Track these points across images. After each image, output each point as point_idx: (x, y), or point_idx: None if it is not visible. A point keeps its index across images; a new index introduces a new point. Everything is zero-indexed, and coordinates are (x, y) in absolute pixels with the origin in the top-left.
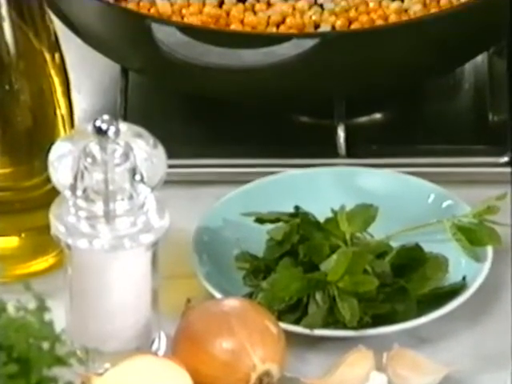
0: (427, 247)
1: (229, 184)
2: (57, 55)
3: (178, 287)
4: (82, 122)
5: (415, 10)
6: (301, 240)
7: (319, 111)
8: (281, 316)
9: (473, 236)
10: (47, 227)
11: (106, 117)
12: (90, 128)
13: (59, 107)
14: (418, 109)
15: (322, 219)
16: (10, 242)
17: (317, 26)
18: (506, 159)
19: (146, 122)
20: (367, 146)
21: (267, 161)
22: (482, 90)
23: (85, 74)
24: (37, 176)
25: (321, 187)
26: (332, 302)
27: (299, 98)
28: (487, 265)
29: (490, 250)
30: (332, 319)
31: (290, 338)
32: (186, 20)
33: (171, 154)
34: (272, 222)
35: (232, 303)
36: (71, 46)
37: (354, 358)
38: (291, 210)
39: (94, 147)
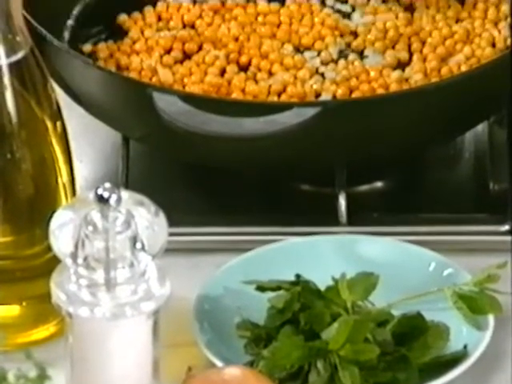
0: (428, 315)
1: (229, 252)
2: (58, 124)
3: (178, 355)
4: (84, 190)
5: (416, 79)
6: (302, 308)
7: (320, 179)
8: None
9: (474, 304)
10: (48, 295)
11: (107, 185)
12: (91, 196)
13: (61, 175)
14: (419, 177)
15: (322, 287)
16: (11, 311)
17: (318, 95)
18: (506, 228)
19: (148, 189)
20: (368, 214)
21: (268, 229)
22: (482, 159)
23: (86, 143)
24: (38, 244)
25: (322, 255)
26: (333, 370)
27: (300, 166)
28: (488, 333)
29: (491, 318)
30: None
31: None
32: (187, 89)
33: (172, 222)
34: (273, 290)
35: (233, 372)
36: (72, 114)
37: None
38: (292, 278)
39: (96, 215)
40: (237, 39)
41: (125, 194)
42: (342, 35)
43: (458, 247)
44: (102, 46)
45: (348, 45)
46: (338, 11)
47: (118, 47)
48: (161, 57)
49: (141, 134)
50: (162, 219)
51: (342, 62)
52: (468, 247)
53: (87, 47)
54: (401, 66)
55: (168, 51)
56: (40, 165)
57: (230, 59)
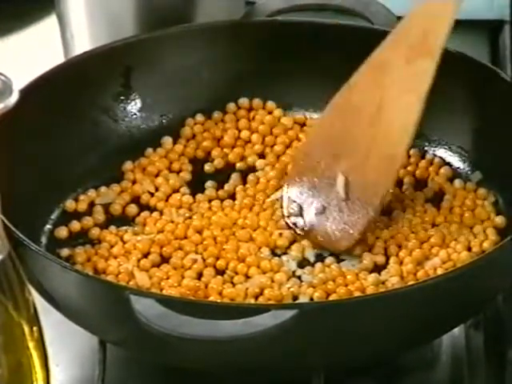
0: None
1: None
2: (35, 328)
3: None
4: None
5: (393, 282)
6: None
7: (296, 382)
8: None
9: None
10: None
11: None
12: None
13: (37, 380)
14: (396, 381)
15: None
16: None
17: (295, 298)
18: None
19: None
20: None
21: None
22: (459, 362)
23: (63, 347)
24: None
25: None
26: None
27: (277, 368)
28: None
29: None
30: None
31: None
32: (164, 292)
33: None
34: None
35: None
36: (49, 318)
37: None
38: None
39: None
40: (215, 242)
41: None
42: None
43: None
44: (79, 250)
45: None
46: None
47: (95, 251)
48: (138, 260)
49: (118, 337)
50: None
51: (318, 265)
52: None
53: (65, 252)
54: (377, 269)
55: (145, 255)
56: (16, 369)
57: (208, 263)
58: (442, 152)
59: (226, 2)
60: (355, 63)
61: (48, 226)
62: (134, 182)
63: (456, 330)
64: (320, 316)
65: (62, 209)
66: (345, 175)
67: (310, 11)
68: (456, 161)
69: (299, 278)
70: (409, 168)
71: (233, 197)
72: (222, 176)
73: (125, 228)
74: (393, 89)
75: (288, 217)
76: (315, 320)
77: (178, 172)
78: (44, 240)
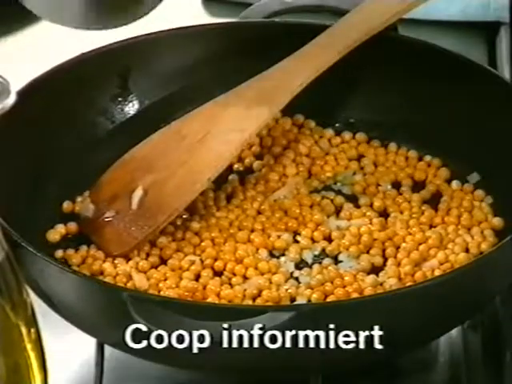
0: None
1: None
2: (33, 330)
3: None
4: None
5: (390, 283)
6: None
7: (295, 383)
8: None
9: None
10: None
11: None
12: None
13: (34, 382)
14: (394, 382)
15: None
16: None
17: (293, 300)
18: None
19: None
20: None
21: None
22: (457, 364)
23: (60, 348)
24: None
25: None
26: None
27: (275, 369)
28: None
29: None
30: None
31: None
32: (162, 293)
33: None
34: None
35: None
36: (47, 320)
37: None
38: None
39: None
40: (213, 244)
41: None
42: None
43: None
44: (76, 251)
45: (323, 250)
46: None
47: (92, 253)
48: (136, 262)
49: (116, 339)
50: None
51: (316, 266)
52: None
53: (62, 253)
54: (375, 270)
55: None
56: (13, 371)
57: (205, 264)
58: (439, 153)
59: None
60: (352, 63)
61: (45, 228)
62: None
63: (454, 331)
64: (318, 317)
65: (60, 210)
66: (145, 189)
67: (307, 13)
68: (454, 162)
69: (297, 279)
70: (407, 170)
71: (230, 198)
72: (219, 177)
73: None
74: (223, 125)
75: None
76: (313, 321)
77: None
78: (41, 241)
